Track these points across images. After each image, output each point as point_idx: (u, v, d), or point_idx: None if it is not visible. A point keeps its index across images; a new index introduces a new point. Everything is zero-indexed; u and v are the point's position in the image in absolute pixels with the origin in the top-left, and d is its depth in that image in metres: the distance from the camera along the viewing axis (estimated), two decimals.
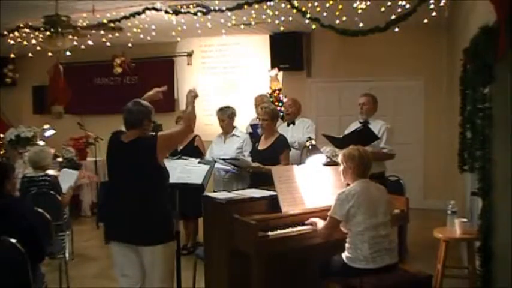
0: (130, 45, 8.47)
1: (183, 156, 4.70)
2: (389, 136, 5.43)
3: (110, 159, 3.84)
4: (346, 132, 5.51)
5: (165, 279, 3.75)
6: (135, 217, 3.62)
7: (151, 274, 3.69)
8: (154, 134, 3.74)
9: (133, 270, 3.74)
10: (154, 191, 3.66)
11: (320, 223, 3.82)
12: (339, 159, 3.88)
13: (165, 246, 3.66)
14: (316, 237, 3.84)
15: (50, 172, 5.75)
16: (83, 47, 7.98)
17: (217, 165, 5.43)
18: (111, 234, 3.79)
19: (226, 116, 5.91)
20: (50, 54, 7.57)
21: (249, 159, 5.46)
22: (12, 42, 7.78)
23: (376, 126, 5.41)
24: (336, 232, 3.73)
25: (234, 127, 6.01)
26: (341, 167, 3.84)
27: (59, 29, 6.35)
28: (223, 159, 5.54)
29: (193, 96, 4.08)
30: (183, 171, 4.44)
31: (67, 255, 5.24)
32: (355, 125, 5.57)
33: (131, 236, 3.66)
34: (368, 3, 6.24)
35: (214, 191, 5.42)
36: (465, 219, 4.54)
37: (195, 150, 6.08)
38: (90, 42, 7.79)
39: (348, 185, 3.84)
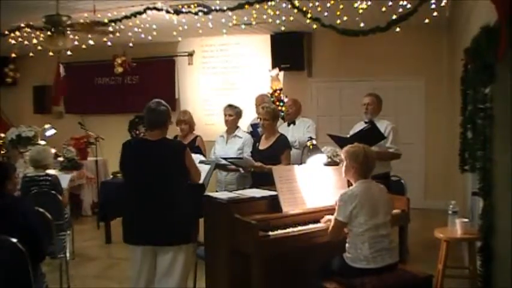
0: (131, 44, 8.46)
1: None
2: (395, 136, 5.44)
3: (131, 160, 3.81)
4: (351, 132, 5.50)
5: (182, 281, 3.81)
6: (158, 217, 3.65)
7: (170, 275, 3.73)
8: (180, 141, 3.79)
9: (149, 273, 3.79)
10: (178, 192, 3.70)
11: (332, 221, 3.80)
12: (342, 155, 3.87)
13: (185, 248, 3.74)
14: (316, 237, 3.84)
15: (51, 172, 5.75)
16: (84, 46, 7.97)
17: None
18: (129, 236, 3.79)
19: (235, 112, 5.96)
20: (50, 53, 7.57)
21: (251, 158, 5.46)
22: (13, 41, 7.78)
23: (382, 126, 5.40)
24: (342, 233, 3.72)
25: (237, 127, 6.04)
26: (343, 164, 3.83)
27: (60, 29, 6.35)
28: (225, 159, 5.55)
29: None
30: None
31: (68, 255, 5.23)
32: (360, 125, 5.55)
33: (149, 237, 3.67)
34: (369, 3, 6.23)
35: (216, 191, 5.43)
36: (466, 219, 4.53)
37: (196, 151, 6.06)
38: (91, 42, 7.79)
39: (349, 184, 3.84)
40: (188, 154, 3.76)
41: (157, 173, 3.66)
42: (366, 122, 5.54)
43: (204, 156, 5.96)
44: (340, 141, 5.24)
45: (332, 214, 3.86)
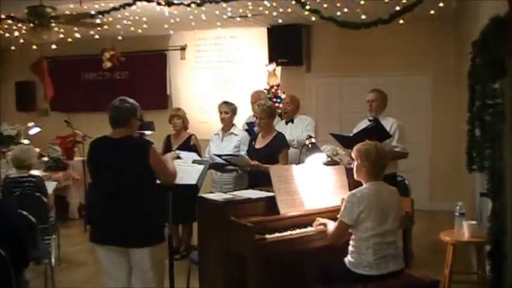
0: (120, 38, 8.44)
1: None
2: (401, 134, 5.43)
3: (95, 159, 3.88)
4: (355, 131, 5.49)
5: (155, 283, 3.79)
6: (125, 217, 3.67)
7: (141, 277, 3.73)
8: (145, 138, 3.78)
9: (122, 275, 3.79)
10: (144, 191, 3.70)
11: (330, 224, 3.79)
12: (353, 154, 3.85)
13: (155, 248, 3.71)
14: (316, 240, 3.83)
15: (35, 172, 5.73)
16: (69, 40, 7.95)
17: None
18: (99, 237, 3.80)
19: (230, 109, 5.99)
20: (34, 47, 7.54)
21: (248, 157, 5.45)
22: None
23: (387, 123, 5.39)
24: (346, 235, 3.71)
25: (233, 125, 6.06)
26: (354, 163, 3.81)
27: (44, 21, 6.31)
28: (219, 156, 5.54)
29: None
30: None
31: (53, 260, 5.22)
32: (364, 123, 5.54)
33: (120, 237, 3.69)
34: None
35: (211, 192, 5.42)
36: (474, 222, 4.53)
37: (192, 150, 6.03)
38: (77, 35, 7.76)
39: (357, 182, 3.81)
40: (154, 152, 3.74)
41: (120, 172, 3.68)
42: (370, 120, 5.53)
43: (200, 155, 5.95)
44: (344, 141, 5.25)
45: (330, 217, 3.86)
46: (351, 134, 5.38)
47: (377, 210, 3.59)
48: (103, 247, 3.78)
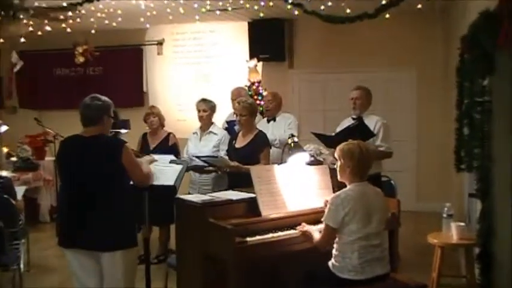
0: (93, 31, 8.36)
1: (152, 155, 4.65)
2: (385, 133, 5.45)
3: (65, 158, 3.86)
4: (338, 129, 5.49)
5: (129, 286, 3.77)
6: (95, 219, 3.63)
7: (111, 282, 3.70)
8: (118, 137, 3.74)
9: (91, 280, 3.75)
10: (116, 191, 3.68)
11: (316, 233, 3.77)
12: (336, 154, 3.85)
13: (125, 252, 3.68)
14: (299, 243, 3.82)
15: (3, 173, 5.65)
16: (40, 33, 7.85)
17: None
18: (68, 241, 3.76)
19: (209, 107, 5.95)
20: (1, 40, 7.44)
21: (227, 158, 5.43)
22: None
23: (371, 122, 5.41)
24: (333, 240, 3.69)
25: (212, 123, 6.03)
26: (337, 164, 3.80)
27: (11, 13, 6.23)
28: (198, 157, 5.51)
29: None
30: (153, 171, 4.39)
31: (22, 266, 5.15)
32: (348, 122, 5.55)
33: (90, 240, 3.65)
34: None
35: (189, 193, 5.40)
36: (462, 223, 4.56)
37: (171, 150, 5.96)
38: (48, 28, 7.67)
39: (341, 183, 3.81)
40: (126, 151, 3.72)
41: (91, 172, 3.65)
42: (353, 118, 5.54)
43: (178, 155, 5.89)
44: (326, 140, 5.24)
45: (314, 218, 3.85)
46: (333, 134, 5.38)
47: (362, 212, 3.59)
48: (72, 251, 3.74)
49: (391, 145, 5.48)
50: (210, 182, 5.77)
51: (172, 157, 4.66)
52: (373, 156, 3.85)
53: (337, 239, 3.64)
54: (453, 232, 4.49)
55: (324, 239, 3.69)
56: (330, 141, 5.07)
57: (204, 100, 6.04)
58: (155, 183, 4.13)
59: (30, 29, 7.35)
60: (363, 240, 3.56)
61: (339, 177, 3.83)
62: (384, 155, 5.45)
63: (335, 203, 3.61)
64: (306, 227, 3.87)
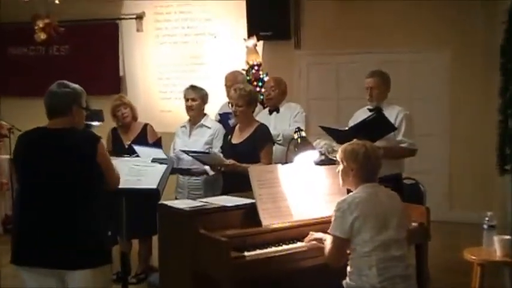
0: (57, 1, 8.35)
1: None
2: (408, 126, 5.47)
3: (24, 156, 3.81)
4: (351, 123, 5.52)
5: None
6: (60, 232, 3.61)
7: None
8: (92, 131, 3.74)
9: None
10: (86, 198, 3.66)
11: (328, 240, 3.77)
12: (338, 156, 3.88)
13: (97, 271, 3.66)
14: (305, 258, 3.85)
15: None
16: None
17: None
18: (24, 257, 3.73)
19: (199, 95, 5.94)
20: None
21: (221, 155, 5.45)
22: None
23: (392, 113, 5.43)
24: (346, 254, 3.71)
25: (204, 114, 6.04)
26: (340, 167, 3.84)
27: None
28: (186, 152, 5.52)
29: None
30: (131, 172, 4.41)
31: None
32: (363, 113, 5.57)
33: (53, 257, 3.62)
34: None
35: (176, 199, 5.41)
36: (508, 237, 4.57)
37: (155, 147, 5.96)
38: None
39: (349, 191, 3.84)
40: (102, 149, 3.73)
41: (57, 173, 3.63)
42: (370, 110, 5.57)
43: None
44: (338, 135, 5.25)
45: (325, 229, 3.85)
46: (347, 128, 5.40)
47: (374, 216, 3.61)
48: (29, 270, 3.70)
49: (415, 140, 5.50)
50: (201, 186, 5.75)
51: (158, 151, 4.66)
52: (381, 156, 3.86)
53: (351, 253, 3.67)
54: (496, 247, 4.51)
55: (332, 254, 3.70)
56: (342, 137, 5.07)
57: (193, 87, 6.02)
58: (134, 186, 4.15)
59: None
60: (380, 251, 3.56)
61: (341, 183, 3.88)
62: (406, 152, 5.47)
63: (341, 208, 3.64)
64: (315, 234, 3.89)
